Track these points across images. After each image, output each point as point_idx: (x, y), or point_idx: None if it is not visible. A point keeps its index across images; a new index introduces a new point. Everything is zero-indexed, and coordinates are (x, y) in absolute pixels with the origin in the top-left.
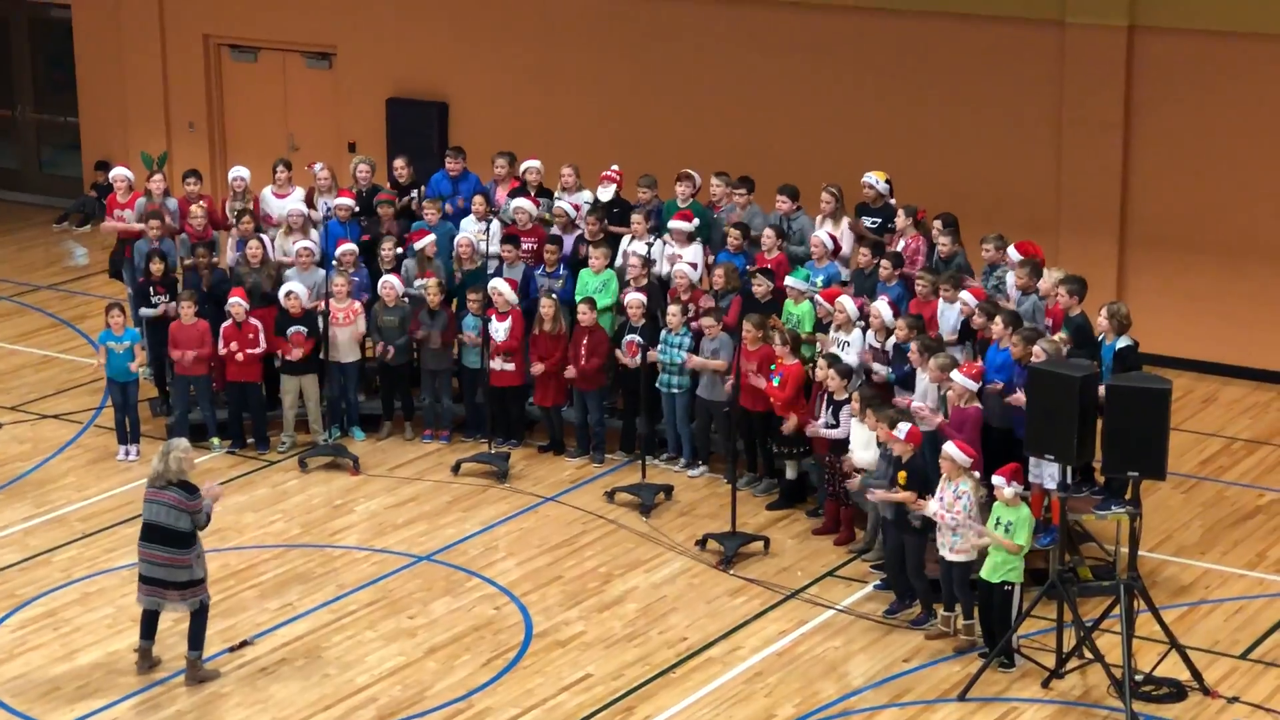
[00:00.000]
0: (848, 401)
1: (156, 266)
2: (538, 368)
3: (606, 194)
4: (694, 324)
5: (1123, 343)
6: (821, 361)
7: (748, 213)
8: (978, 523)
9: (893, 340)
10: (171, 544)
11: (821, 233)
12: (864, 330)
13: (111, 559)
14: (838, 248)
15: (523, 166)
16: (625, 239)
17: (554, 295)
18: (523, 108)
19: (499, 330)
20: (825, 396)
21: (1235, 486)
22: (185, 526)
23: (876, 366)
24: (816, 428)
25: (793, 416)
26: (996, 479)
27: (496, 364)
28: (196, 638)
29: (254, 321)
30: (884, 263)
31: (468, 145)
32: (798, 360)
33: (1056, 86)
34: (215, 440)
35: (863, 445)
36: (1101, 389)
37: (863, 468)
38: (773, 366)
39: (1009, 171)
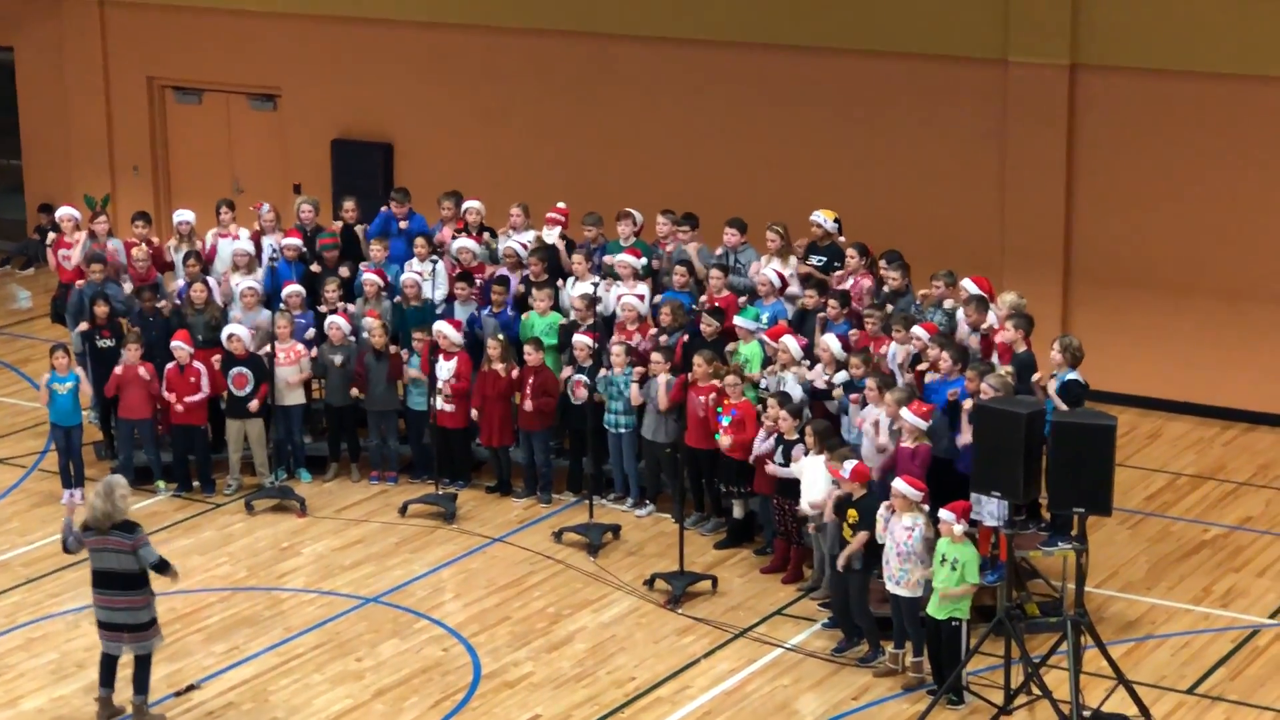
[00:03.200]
0: (798, 441)
1: (101, 309)
2: (475, 414)
3: (552, 235)
4: (642, 347)
5: (1072, 375)
6: (772, 401)
7: (692, 250)
8: (927, 557)
9: (842, 375)
10: (128, 587)
11: (769, 270)
12: (809, 369)
13: (56, 604)
14: (784, 285)
15: (464, 207)
16: (569, 281)
17: (500, 336)
18: (468, 148)
19: (444, 369)
20: (776, 436)
21: (1181, 522)
22: (135, 567)
23: (833, 383)
24: (771, 467)
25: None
26: (945, 514)
27: (439, 403)
28: (142, 682)
29: (197, 365)
30: (831, 302)
31: (413, 186)
32: (746, 399)
33: (1000, 124)
34: (161, 484)
35: (814, 483)
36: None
37: (816, 506)
38: (719, 409)
39: (953, 209)
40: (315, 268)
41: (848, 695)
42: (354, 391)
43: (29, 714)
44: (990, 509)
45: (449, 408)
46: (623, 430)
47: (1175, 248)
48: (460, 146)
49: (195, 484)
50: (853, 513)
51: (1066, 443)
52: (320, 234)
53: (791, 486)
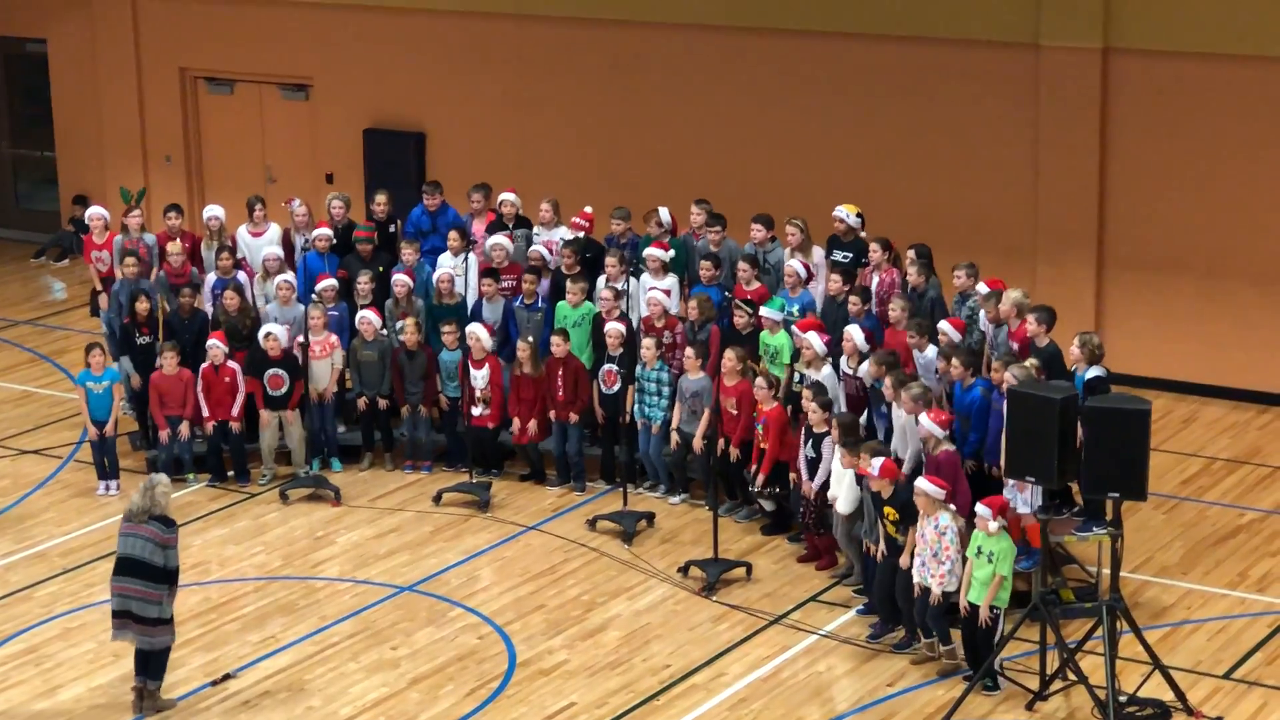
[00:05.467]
0: (827, 434)
1: (143, 306)
2: (516, 426)
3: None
4: (673, 359)
5: (1093, 373)
6: (806, 392)
7: (722, 249)
8: (959, 557)
9: (865, 369)
10: (146, 578)
11: (794, 261)
12: (835, 365)
13: (92, 594)
14: (810, 275)
15: (498, 199)
16: (601, 280)
17: (530, 340)
18: (500, 137)
19: (477, 378)
20: (806, 428)
21: (1216, 506)
22: (160, 562)
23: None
24: (805, 483)
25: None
26: (982, 509)
27: (477, 410)
28: (156, 668)
29: (232, 365)
30: (852, 299)
31: (446, 176)
32: (777, 404)
33: (1032, 110)
34: (191, 475)
35: (840, 479)
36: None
37: (835, 502)
38: (754, 413)
39: (986, 196)
40: (343, 272)
41: (883, 681)
42: (383, 403)
43: (67, 703)
44: (1024, 497)
45: (487, 412)
46: (654, 420)
47: (1210, 231)
48: (493, 135)
49: (230, 474)
50: (890, 511)
51: (1101, 428)
52: (354, 227)
53: (813, 472)
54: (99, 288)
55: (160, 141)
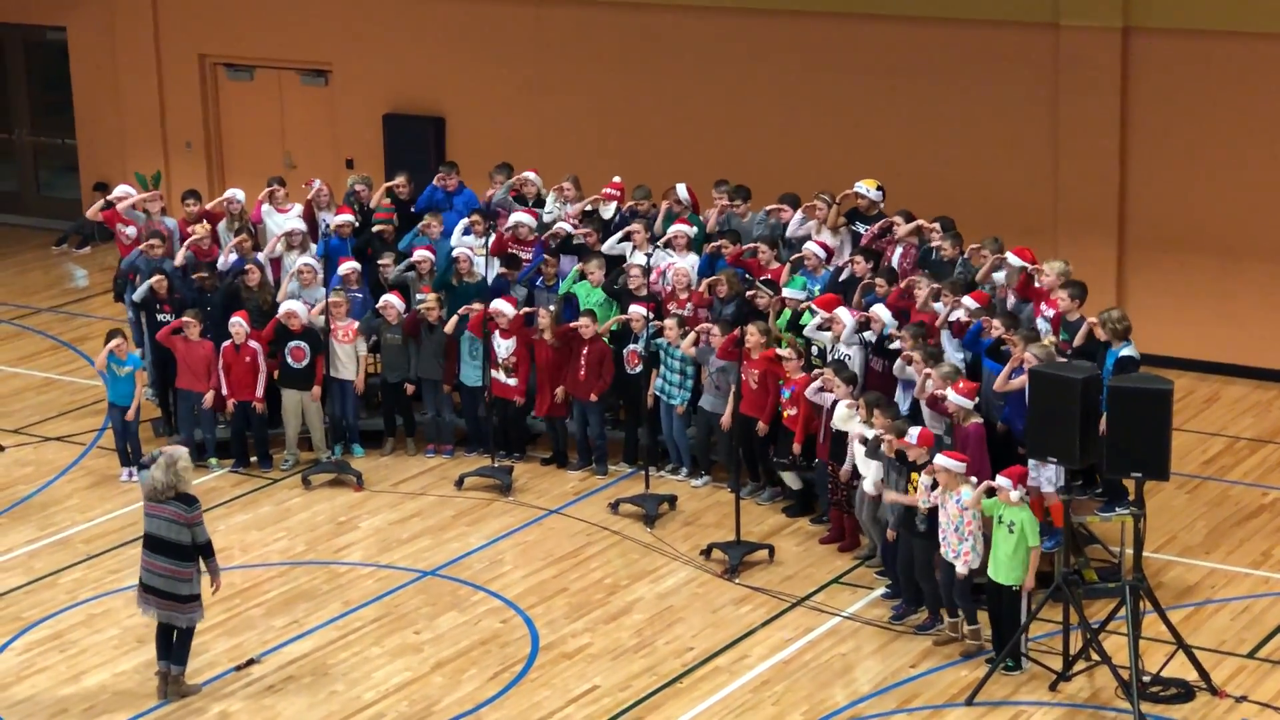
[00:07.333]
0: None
1: (160, 282)
2: (560, 394)
3: (609, 211)
4: (695, 326)
5: (1126, 351)
6: (828, 370)
7: (747, 222)
8: (979, 531)
9: (895, 345)
10: (173, 556)
11: (812, 244)
12: (862, 341)
13: (116, 580)
14: (830, 256)
15: (520, 179)
16: (625, 243)
17: (551, 308)
18: (519, 121)
19: (502, 347)
20: (832, 404)
21: (1239, 486)
22: (186, 540)
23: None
24: (815, 392)
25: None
26: (1003, 480)
27: (500, 375)
28: (180, 654)
29: (253, 344)
30: (879, 280)
31: (464, 159)
32: (805, 374)
33: (1052, 89)
34: (213, 460)
35: (868, 462)
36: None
37: (862, 482)
38: (780, 381)
39: (1005, 175)
40: (371, 253)
41: (906, 663)
42: (409, 389)
43: (92, 689)
44: (1048, 475)
45: (512, 381)
46: (675, 401)
47: (1231, 210)
48: (511, 119)
49: (252, 459)
50: (916, 476)
51: (1123, 408)
52: (376, 209)
53: (843, 452)
54: (120, 250)
55: (180, 128)
